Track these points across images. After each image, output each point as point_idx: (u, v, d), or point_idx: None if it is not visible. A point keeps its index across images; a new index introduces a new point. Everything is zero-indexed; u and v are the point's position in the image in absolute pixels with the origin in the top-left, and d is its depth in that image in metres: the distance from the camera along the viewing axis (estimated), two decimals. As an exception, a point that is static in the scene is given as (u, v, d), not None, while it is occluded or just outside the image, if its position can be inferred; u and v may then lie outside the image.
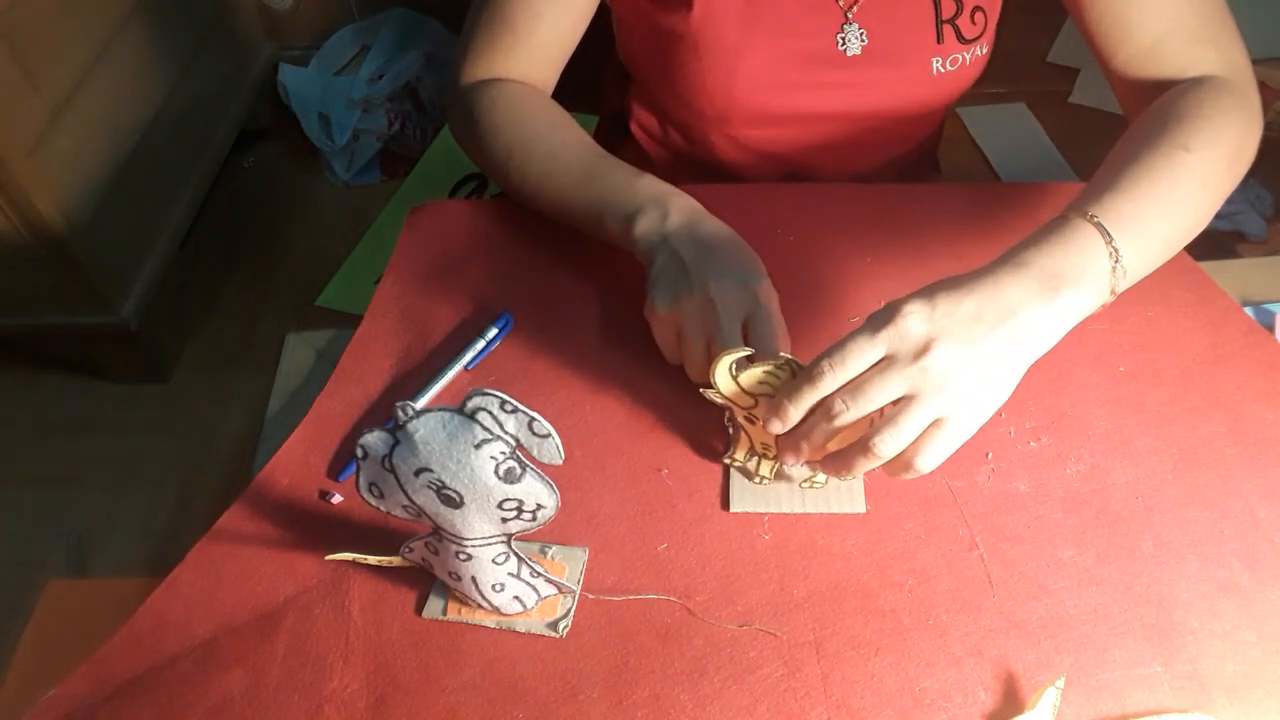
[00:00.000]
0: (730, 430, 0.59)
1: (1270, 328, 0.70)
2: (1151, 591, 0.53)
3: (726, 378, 0.54)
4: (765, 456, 0.59)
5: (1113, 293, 0.56)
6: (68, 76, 1.43)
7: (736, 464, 0.60)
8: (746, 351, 0.54)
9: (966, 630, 0.52)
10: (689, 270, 0.62)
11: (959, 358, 0.50)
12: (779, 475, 0.60)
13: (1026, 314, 0.52)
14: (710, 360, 0.56)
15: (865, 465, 0.52)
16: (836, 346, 0.52)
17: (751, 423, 0.57)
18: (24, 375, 1.70)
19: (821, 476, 0.58)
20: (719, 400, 0.56)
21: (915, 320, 0.51)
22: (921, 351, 0.50)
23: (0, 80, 1.29)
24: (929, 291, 0.52)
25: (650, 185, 0.69)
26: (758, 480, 0.60)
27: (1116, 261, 0.55)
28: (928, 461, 0.51)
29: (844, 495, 0.58)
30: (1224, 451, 0.60)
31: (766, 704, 0.50)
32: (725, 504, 0.59)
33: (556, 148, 0.73)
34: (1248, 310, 0.70)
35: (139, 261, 1.59)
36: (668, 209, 0.66)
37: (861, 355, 0.51)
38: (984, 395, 0.52)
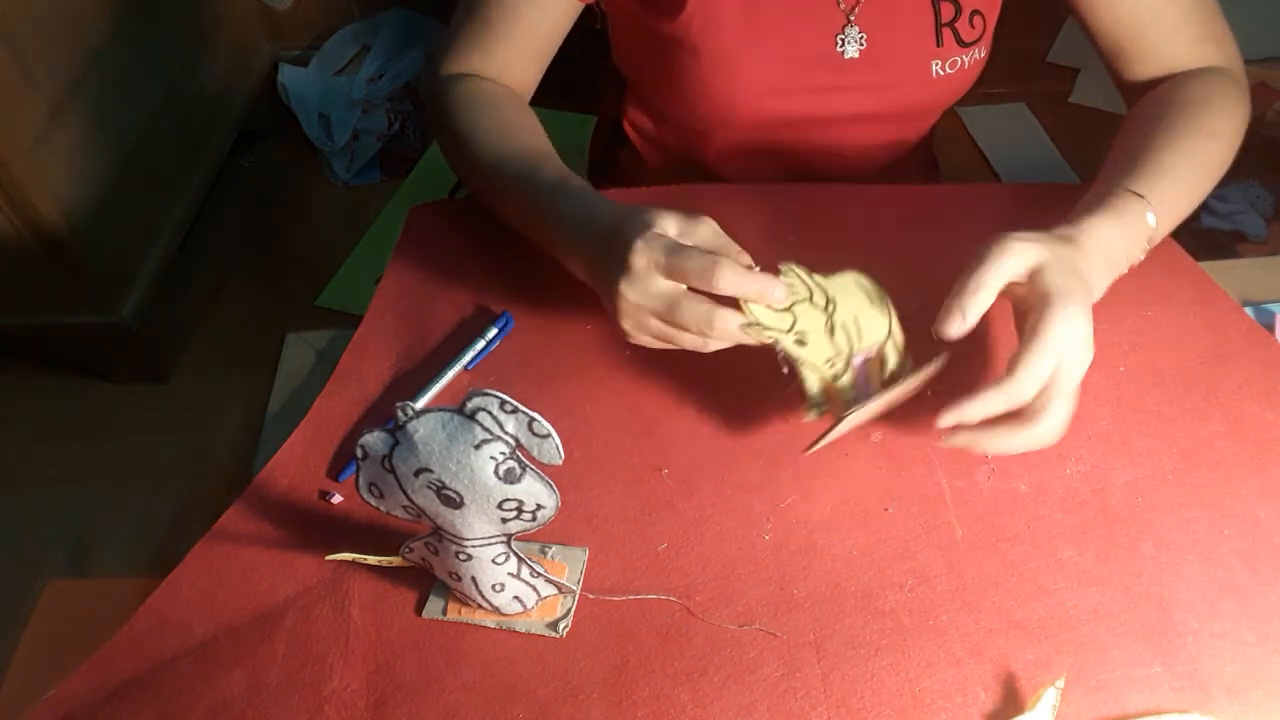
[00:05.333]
0: (788, 377, 0.57)
1: (1270, 328, 0.70)
2: (1151, 591, 0.53)
3: (763, 308, 0.54)
4: (834, 382, 0.57)
5: (1129, 268, 0.63)
6: (67, 76, 1.43)
7: (814, 413, 0.58)
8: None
9: (966, 630, 0.52)
10: (609, 273, 0.58)
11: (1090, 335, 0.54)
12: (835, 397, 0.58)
13: (1096, 285, 0.58)
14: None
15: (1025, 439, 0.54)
16: (1030, 367, 0.52)
17: (803, 344, 0.56)
18: (24, 375, 1.70)
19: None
20: (762, 337, 0.55)
21: (1076, 325, 0.53)
22: (1084, 348, 0.53)
23: (0, 80, 1.29)
24: (1060, 287, 0.53)
25: (571, 213, 0.64)
26: (845, 414, 0.55)
27: (1146, 243, 0.63)
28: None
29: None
30: (1224, 451, 0.60)
31: (766, 704, 0.50)
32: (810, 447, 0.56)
33: (505, 154, 0.71)
34: (1248, 310, 0.70)
35: (139, 261, 1.59)
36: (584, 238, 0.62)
37: (1049, 369, 0.53)
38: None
